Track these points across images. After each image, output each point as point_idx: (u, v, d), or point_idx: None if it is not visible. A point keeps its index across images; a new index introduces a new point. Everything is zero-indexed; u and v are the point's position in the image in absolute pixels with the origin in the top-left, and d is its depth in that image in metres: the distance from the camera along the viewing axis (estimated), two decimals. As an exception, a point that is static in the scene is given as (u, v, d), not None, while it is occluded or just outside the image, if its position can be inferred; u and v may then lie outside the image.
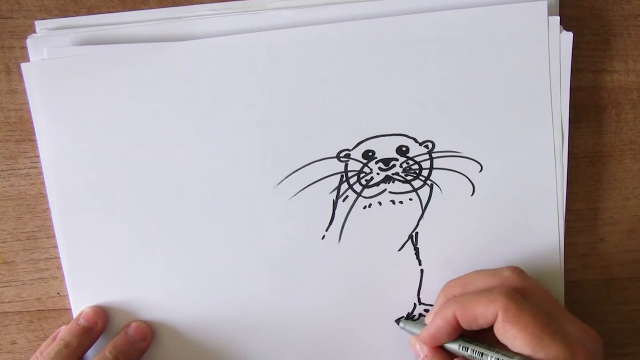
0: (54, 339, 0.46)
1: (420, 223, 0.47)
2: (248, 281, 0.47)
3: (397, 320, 0.48)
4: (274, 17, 0.46)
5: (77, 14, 0.47)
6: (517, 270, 0.44)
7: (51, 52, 0.45)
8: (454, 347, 0.43)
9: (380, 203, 0.47)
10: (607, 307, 0.51)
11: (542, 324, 0.40)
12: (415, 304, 0.48)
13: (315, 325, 0.48)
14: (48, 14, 0.47)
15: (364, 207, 0.47)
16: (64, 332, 0.46)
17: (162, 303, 0.47)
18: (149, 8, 0.46)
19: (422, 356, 0.44)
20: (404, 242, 0.48)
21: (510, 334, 0.40)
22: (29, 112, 0.46)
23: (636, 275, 0.51)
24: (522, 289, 0.42)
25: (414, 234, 0.48)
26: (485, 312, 0.41)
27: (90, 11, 0.47)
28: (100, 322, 0.47)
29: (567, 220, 0.48)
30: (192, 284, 0.47)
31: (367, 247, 0.48)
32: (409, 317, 0.48)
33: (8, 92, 0.47)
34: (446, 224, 0.47)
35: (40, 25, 0.46)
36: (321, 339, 0.48)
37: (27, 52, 0.46)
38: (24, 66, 0.45)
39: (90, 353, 0.47)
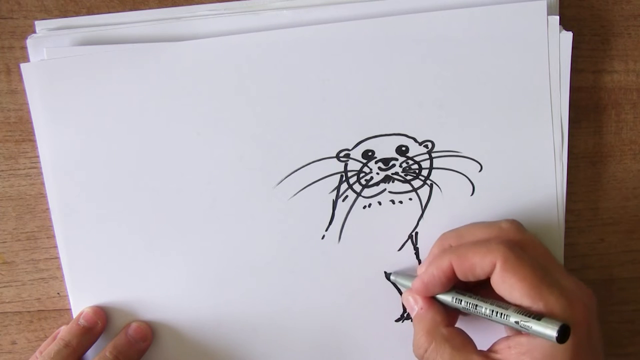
0: (54, 339, 0.46)
1: (420, 223, 0.47)
2: (248, 281, 0.47)
3: (388, 275, 0.47)
4: (274, 17, 0.46)
5: (77, 14, 0.47)
6: (514, 222, 0.44)
7: (51, 53, 0.45)
8: (447, 298, 0.43)
9: (380, 203, 0.47)
10: (607, 307, 0.51)
11: (541, 275, 0.40)
12: (415, 304, 0.48)
13: (315, 325, 0.48)
14: (48, 14, 0.47)
15: (364, 207, 0.47)
16: (64, 332, 0.46)
17: (162, 303, 0.47)
18: (149, 8, 0.46)
19: (416, 309, 0.43)
20: (404, 242, 0.48)
21: (508, 284, 0.40)
22: (28, 112, 0.46)
23: (636, 275, 0.51)
24: (519, 242, 0.42)
25: (413, 233, 0.48)
26: (483, 261, 0.40)
27: (90, 11, 0.47)
28: (100, 322, 0.47)
29: (567, 220, 0.48)
30: (192, 284, 0.47)
31: (367, 247, 0.48)
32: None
33: (8, 92, 0.47)
34: (446, 224, 0.47)
35: (40, 25, 0.46)
36: (321, 339, 0.48)
37: (27, 52, 0.46)
38: (23, 66, 0.45)
39: (90, 353, 0.47)
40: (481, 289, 0.42)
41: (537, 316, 0.38)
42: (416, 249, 0.48)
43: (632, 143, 0.49)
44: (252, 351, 0.48)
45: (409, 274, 0.46)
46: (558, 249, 0.48)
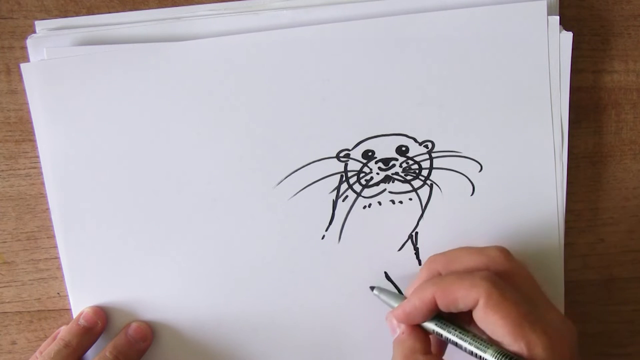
0: (54, 339, 0.46)
1: (420, 223, 0.47)
2: (248, 281, 0.47)
3: (372, 288, 0.47)
4: (274, 17, 0.46)
5: (77, 14, 0.47)
6: (503, 251, 0.43)
7: (51, 53, 0.45)
8: (428, 329, 0.42)
9: (380, 203, 0.47)
10: (607, 307, 0.51)
11: (524, 313, 0.39)
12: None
13: (315, 325, 0.48)
14: (48, 14, 0.47)
15: (364, 207, 0.47)
16: (63, 332, 0.46)
17: (162, 303, 0.47)
18: (149, 8, 0.46)
19: (398, 332, 0.43)
20: (404, 242, 0.48)
21: (491, 321, 0.39)
22: (28, 112, 0.46)
23: (636, 275, 0.51)
24: (506, 272, 0.42)
25: (413, 233, 0.48)
26: (466, 296, 0.40)
27: (90, 11, 0.47)
28: (100, 322, 0.47)
29: (567, 220, 0.48)
30: (192, 284, 0.47)
31: (367, 247, 0.48)
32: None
33: (8, 92, 0.47)
34: (446, 224, 0.47)
35: (40, 25, 0.46)
36: (321, 339, 0.48)
37: (27, 52, 0.46)
38: (23, 66, 0.45)
39: (90, 353, 0.47)
40: (464, 317, 0.42)
41: None
42: (416, 249, 0.48)
43: (632, 143, 0.49)
44: (252, 351, 0.48)
45: (393, 293, 0.46)
46: (558, 249, 0.48)
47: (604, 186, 0.50)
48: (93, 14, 0.47)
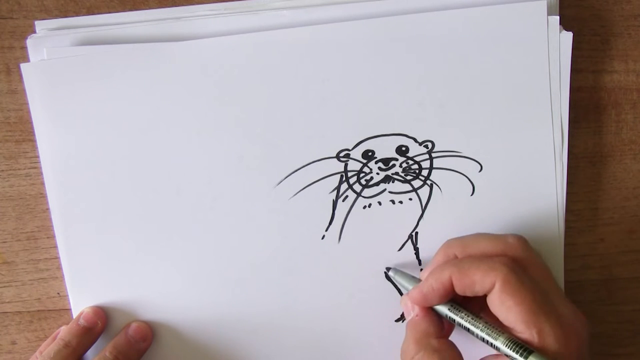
0: (54, 339, 0.46)
1: (420, 223, 0.47)
2: (248, 281, 0.47)
3: (387, 269, 0.47)
4: (274, 17, 0.46)
5: (77, 14, 0.47)
6: (521, 239, 0.43)
7: (51, 53, 0.45)
8: (442, 312, 0.43)
9: (380, 203, 0.47)
10: (607, 307, 0.51)
11: (539, 301, 0.39)
12: (415, 304, 0.48)
13: (315, 325, 0.48)
14: (48, 14, 0.47)
15: (364, 207, 0.47)
16: (63, 332, 0.46)
17: (162, 303, 0.47)
18: (149, 8, 0.46)
19: (412, 315, 0.43)
20: (404, 242, 0.48)
21: (505, 306, 0.39)
22: (28, 112, 0.46)
23: (636, 275, 0.51)
24: (523, 261, 0.42)
25: (413, 233, 0.48)
26: (483, 279, 0.40)
27: (90, 11, 0.47)
28: (100, 322, 0.47)
29: (567, 220, 0.48)
30: (192, 284, 0.47)
31: (367, 247, 0.48)
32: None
33: (8, 92, 0.47)
34: (446, 224, 0.47)
35: (40, 25, 0.46)
36: (321, 339, 0.48)
37: (27, 52, 0.46)
38: (23, 66, 0.45)
39: (90, 353, 0.47)
40: (477, 303, 0.42)
41: (526, 352, 0.38)
42: (416, 249, 0.48)
43: (632, 143, 0.49)
44: (252, 351, 0.48)
45: (408, 275, 0.46)
46: (558, 249, 0.48)
47: (604, 186, 0.50)
48: (93, 14, 0.47)
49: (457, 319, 0.42)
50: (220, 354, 0.48)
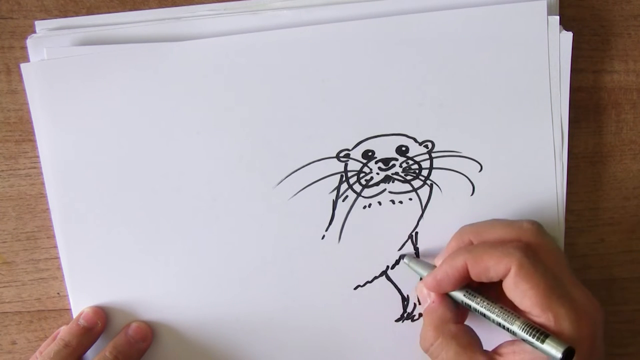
0: (54, 339, 0.46)
1: (420, 223, 0.47)
2: (248, 281, 0.47)
3: (402, 256, 0.47)
4: (274, 17, 0.46)
5: (77, 14, 0.47)
6: (536, 224, 0.43)
7: (51, 53, 0.45)
8: (457, 298, 0.43)
9: (380, 203, 0.47)
10: (607, 307, 0.50)
11: (553, 286, 0.40)
12: (415, 304, 0.48)
13: (315, 325, 0.48)
14: (48, 14, 0.47)
15: (364, 207, 0.47)
16: (63, 332, 0.46)
17: (162, 303, 0.47)
18: (149, 8, 0.46)
19: (429, 301, 0.44)
20: (404, 242, 0.48)
21: (520, 290, 0.40)
22: (28, 112, 0.46)
23: (636, 275, 0.51)
24: (537, 246, 0.42)
25: (413, 233, 0.48)
26: (498, 265, 0.40)
27: (90, 11, 0.47)
28: (100, 323, 0.47)
29: (567, 220, 0.48)
30: (192, 284, 0.47)
31: (367, 247, 0.48)
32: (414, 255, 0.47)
33: (8, 92, 0.47)
34: (446, 224, 0.47)
35: (40, 25, 0.46)
36: (321, 339, 0.48)
37: (27, 52, 0.46)
38: (23, 66, 0.45)
39: (90, 353, 0.47)
40: (492, 288, 0.42)
41: (543, 336, 0.38)
42: (416, 249, 0.48)
43: (632, 143, 0.49)
44: (252, 351, 0.48)
45: (423, 261, 0.46)
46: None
47: (604, 186, 0.50)
48: (93, 14, 0.47)
49: (473, 304, 0.42)
50: (220, 354, 0.48)
